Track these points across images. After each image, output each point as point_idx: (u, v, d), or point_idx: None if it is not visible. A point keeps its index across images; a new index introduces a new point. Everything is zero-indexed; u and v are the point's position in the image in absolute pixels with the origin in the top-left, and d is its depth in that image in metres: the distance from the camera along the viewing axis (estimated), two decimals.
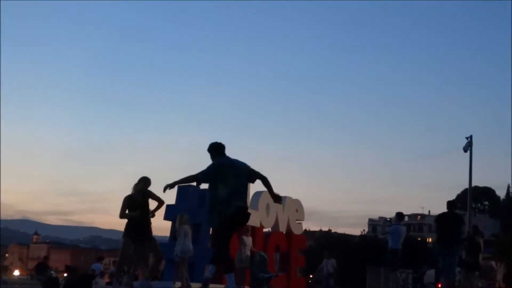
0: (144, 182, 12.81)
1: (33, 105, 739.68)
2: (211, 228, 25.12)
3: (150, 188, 12.96)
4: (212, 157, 10.19)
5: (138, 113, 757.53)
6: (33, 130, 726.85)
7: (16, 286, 14.05)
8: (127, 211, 12.57)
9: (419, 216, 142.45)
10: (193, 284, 21.39)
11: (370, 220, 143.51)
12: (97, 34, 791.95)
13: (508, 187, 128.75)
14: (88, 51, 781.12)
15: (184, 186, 25.31)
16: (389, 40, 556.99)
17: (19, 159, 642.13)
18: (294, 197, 30.45)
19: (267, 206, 27.46)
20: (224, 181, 9.68)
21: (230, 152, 10.29)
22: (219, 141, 10.42)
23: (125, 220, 12.71)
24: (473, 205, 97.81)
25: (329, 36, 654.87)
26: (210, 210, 9.88)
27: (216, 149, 10.26)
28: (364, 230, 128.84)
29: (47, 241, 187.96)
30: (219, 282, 23.57)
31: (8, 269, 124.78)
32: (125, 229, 12.58)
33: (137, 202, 12.48)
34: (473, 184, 38.64)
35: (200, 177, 9.88)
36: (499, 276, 30.91)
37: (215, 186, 9.72)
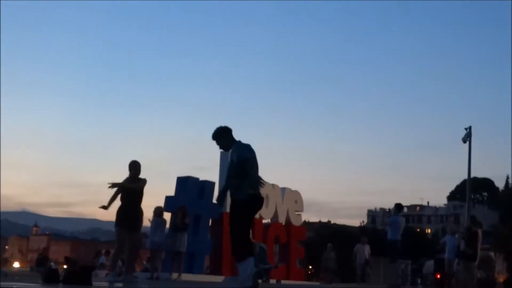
0: (133, 168, 12.63)
1: (32, 96, 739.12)
2: (210, 220, 25.46)
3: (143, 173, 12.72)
4: (223, 142, 9.65)
5: (138, 104, 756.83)
6: (32, 121, 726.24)
7: (16, 278, 14.00)
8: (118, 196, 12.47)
9: (418, 207, 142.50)
10: (193, 276, 21.51)
11: (370, 211, 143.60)
12: (96, 25, 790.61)
13: (507, 178, 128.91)
14: (87, 42, 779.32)
15: (183, 178, 25.38)
16: (389, 31, 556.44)
17: (19, 150, 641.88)
18: (293, 188, 30.52)
19: (267, 197, 27.49)
20: (242, 169, 9.30)
21: None
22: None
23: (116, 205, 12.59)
24: (472, 196, 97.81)
25: (331, 26, 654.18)
26: (223, 195, 9.49)
27: (227, 133, 9.67)
28: (363, 221, 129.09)
29: (47, 233, 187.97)
30: (218, 272, 23.70)
31: (8, 261, 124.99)
32: (117, 218, 12.47)
33: (129, 190, 12.39)
34: (472, 175, 38.59)
35: (249, 169, 9.31)
36: (498, 267, 30.96)
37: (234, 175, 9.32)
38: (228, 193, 9.45)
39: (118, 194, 12.46)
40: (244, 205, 9.29)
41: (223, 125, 9.71)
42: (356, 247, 25.88)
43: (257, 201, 9.50)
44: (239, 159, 9.31)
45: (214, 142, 9.72)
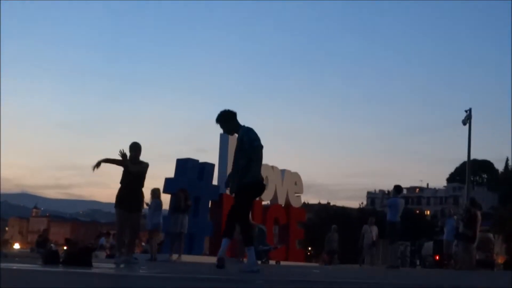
0: (134, 149, 12.56)
1: (32, 78, 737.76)
2: (210, 201, 25.51)
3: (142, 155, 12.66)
4: (228, 126, 9.58)
5: (138, 86, 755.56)
6: (32, 103, 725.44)
7: (16, 259, 14.05)
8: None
9: (418, 189, 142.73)
10: (192, 257, 21.57)
11: (369, 193, 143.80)
12: (97, 6, 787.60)
13: (507, 160, 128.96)
14: (87, 24, 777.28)
15: (182, 160, 25.40)
16: (386, 14, 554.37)
17: (18, 133, 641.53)
18: (293, 170, 30.57)
19: (266, 179, 27.52)
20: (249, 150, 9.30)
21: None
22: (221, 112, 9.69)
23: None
24: (472, 178, 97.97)
25: (332, 8, 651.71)
26: (233, 177, 9.43)
27: (232, 117, 9.57)
28: (362, 203, 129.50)
29: (47, 214, 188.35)
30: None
31: (8, 243, 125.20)
32: (117, 199, 12.42)
33: (131, 172, 12.35)
34: (472, 157, 38.69)
35: (261, 145, 9.32)
36: (497, 248, 31.04)
37: (242, 156, 9.29)
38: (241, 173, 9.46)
39: (117, 163, 12.39)
40: (252, 188, 9.37)
41: (227, 108, 9.63)
42: (363, 228, 25.74)
43: (262, 186, 9.60)
44: (253, 145, 9.31)
45: (218, 125, 9.65)
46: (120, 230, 12.70)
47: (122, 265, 11.51)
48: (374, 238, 25.33)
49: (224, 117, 9.56)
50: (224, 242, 9.37)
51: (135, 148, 12.57)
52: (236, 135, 9.63)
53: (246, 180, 9.22)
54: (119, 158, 12.23)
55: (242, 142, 9.39)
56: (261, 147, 9.35)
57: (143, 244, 29.71)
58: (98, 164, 12.26)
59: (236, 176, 9.41)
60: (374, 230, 25.44)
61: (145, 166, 12.53)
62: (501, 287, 7.78)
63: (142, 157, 12.63)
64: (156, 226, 19.43)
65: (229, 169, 9.90)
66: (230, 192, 9.65)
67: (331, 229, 28.08)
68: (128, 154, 12.32)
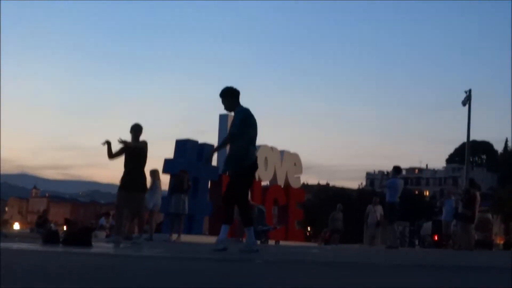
0: (135, 130, 12.57)
1: (31, 60, 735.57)
2: (209, 182, 25.56)
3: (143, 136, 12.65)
4: (229, 102, 9.58)
5: (137, 67, 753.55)
6: (31, 85, 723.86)
7: (16, 239, 14.09)
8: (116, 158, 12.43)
9: (417, 170, 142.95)
10: (192, 237, 21.65)
11: (368, 173, 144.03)
12: None
13: (506, 141, 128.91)
14: (87, 8, 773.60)
15: (182, 140, 25.42)
16: None
17: (18, 114, 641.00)
18: (292, 150, 30.60)
19: (265, 159, 27.57)
20: (247, 131, 9.33)
21: (221, 104, 9.76)
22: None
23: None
24: (471, 159, 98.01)
25: None
26: (231, 158, 9.44)
27: (235, 95, 9.60)
28: (362, 184, 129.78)
29: (46, 195, 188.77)
30: (217, 234, 23.82)
31: (8, 223, 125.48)
32: (121, 182, 12.45)
33: (132, 152, 12.35)
34: (471, 138, 38.67)
35: (237, 133, 9.30)
36: (496, 229, 31.12)
37: (241, 136, 9.33)
38: (232, 158, 9.45)
39: (122, 153, 12.42)
40: (250, 170, 9.44)
41: (232, 86, 9.66)
42: (368, 208, 25.67)
43: (256, 167, 9.65)
44: (243, 123, 9.34)
45: (220, 100, 9.65)
46: (119, 211, 12.72)
47: (122, 245, 11.55)
48: (379, 218, 25.24)
49: (227, 93, 9.57)
50: (225, 228, 9.33)
51: (135, 129, 12.57)
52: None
53: (245, 163, 9.25)
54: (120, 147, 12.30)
55: (235, 122, 9.45)
56: (234, 134, 9.33)
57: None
58: (108, 144, 12.30)
59: (231, 158, 9.45)
60: (379, 210, 25.27)
61: (143, 143, 12.51)
62: (500, 266, 7.81)
63: (143, 138, 12.64)
64: (154, 207, 19.46)
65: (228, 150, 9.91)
66: (222, 171, 9.75)
67: (336, 208, 28.00)
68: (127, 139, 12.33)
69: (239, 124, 9.34)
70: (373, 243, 25.07)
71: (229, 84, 9.67)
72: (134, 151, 12.38)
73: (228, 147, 9.65)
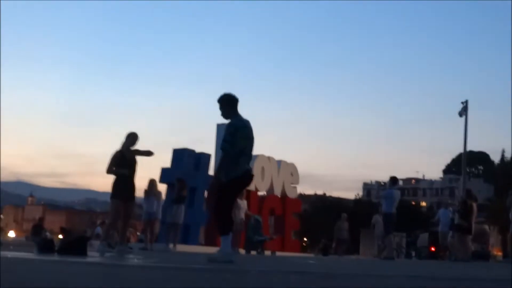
0: (132, 138, 12.56)
1: (28, 67, 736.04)
2: (206, 191, 25.48)
3: (138, 145, 12.65)
4: (225, 110, 9.44)
5: (134, 75, 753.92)
6: (27, 92, 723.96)
7: (11, 247, 14.03)
8: (114, 169, 12.39)
9: (414, 181, 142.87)
10: (188, 247, 21.59)
11: (365, 184, 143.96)
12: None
13: (503, 151, 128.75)
14: (85, 15, 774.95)
15: (179, 150, 25.39)
16: (387, 7, 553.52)
17: (14, 121, 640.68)
18: (289, 161, 30.57)
19: (262, 169, 27.54)
20: (236, 143, 9.20)
21: (218, 113, 9.66)
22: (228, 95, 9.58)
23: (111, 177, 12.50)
24: (468, 170, 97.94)
25: (329, 3, 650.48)
26: (220, 168, 9.32)
27: (233, 103, 9.45)
28: (358, 194, 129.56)
29: (42, 203, 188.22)
30: (212, 244, 23.76)
31: (3, 230, 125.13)
32: (114, 189, 12.37)
33: (127, 159, 12.34)
34: (468, 149, 38.64)
35: (230, 151, 9.13)
36: (493, 240, 31.04)
37: (230, 149, 9.21)
38: (219, 170, 9.37)
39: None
40: (240, 181, 9.35)
41: (232, 93, 9.53)
42: (374, 218, 25.45)
43: (250, 178, 9.56)
44: (232, 136, 9.21)
45: (218, 106, 9.54)
46: (115, 220, 12.68)
47: (106, 254, 11.46)
48: (381, 228, 24.79)
49: (224, 100, 9.46)
50: (225, 238, 9.17)
51: (131, 136, 12.56)
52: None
53: (234, 174, 9.15)
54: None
55: (227, 131, 9.31)
56: (223, 148, 9.21)
57: (138, 233, 29.73)
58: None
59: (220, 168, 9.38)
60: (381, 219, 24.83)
61: (135, 151, 12.50)
62: (498, 278, 7.78)
63: (140, 147, 12.62)
64: (151, 216, 19.42)
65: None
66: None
67: (340, 218, 27.80)
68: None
69: (228, 138, 9.20)
70: (382, 253, 24.94)
71: (226, 91, 9.59)
72: (130, 160, 12.37)
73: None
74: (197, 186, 24.59)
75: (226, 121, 9.59)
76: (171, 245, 19.74)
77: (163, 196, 21.55)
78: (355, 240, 27.70)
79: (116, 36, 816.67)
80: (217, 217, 9.24)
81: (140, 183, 17.21)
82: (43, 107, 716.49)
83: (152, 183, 19.56)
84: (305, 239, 75.00)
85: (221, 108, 9.49)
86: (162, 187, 23.39)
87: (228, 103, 9.48)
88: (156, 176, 22.61)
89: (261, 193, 28.54)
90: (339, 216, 28.57)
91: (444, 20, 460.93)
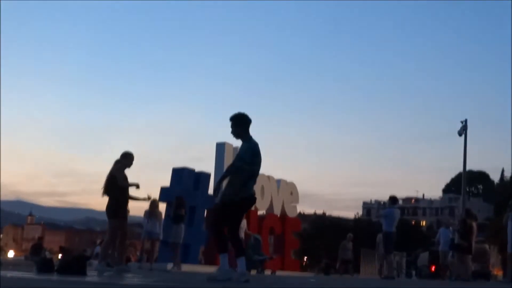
0: (129, 159, 12.70)
1: (27, 85, 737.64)
2: (206, 211, 25.45)
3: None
4: (238, 130, 9.39)
5: (135, 94, 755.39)
6: (28, 110, 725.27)
7: (10, 267, 14.00)
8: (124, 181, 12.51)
9: (414, 200, 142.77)
10: (187, 266, 21.53)
11: (365, 203, 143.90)
12: (95, 14, 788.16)
13: (502, 171, 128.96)
14: (85, 32, 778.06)
15: (178, 169, 25.37)
16: (386, 23, 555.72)
17: (14, 139, 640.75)
18: (288, 180, 30.55)
19: (262, 188, 27.51)
20: (250, 168, 9.21)
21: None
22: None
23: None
24: (467, 189, 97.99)
25: (329, 17, 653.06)
26: (229, 188, 9.28)
27: (246, 124, 9.45)
28: (358, 213, 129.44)
29: (42, 222, 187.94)
30: (212, 263, 23.71)
31: (2, 250, 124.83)
32: (112, 208, 12.43)
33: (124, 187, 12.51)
34: (468, 168, 38.71)
35: (242, 168, 9.18)
36: (493, 259, 30.97)
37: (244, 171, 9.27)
38: (227, 188, 9.37)
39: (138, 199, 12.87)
40: (245, 202, 9.35)
41: (246, 113, 9.51)
42: (378, 237, 25.31)
43: (253, 201, 9.55)
44: (234, 163, 9.35)
45: (230, 123, 9.46)
46: (113, 239, 12.71)
47: (105, 274, 11.46)
48: None
49: (238, 120, 9.43)
50: (224, 257, 9.19)
51: (128, 158, 12.71)
52: (239, 141, 9.57)
53: (241, 195, 9.15)
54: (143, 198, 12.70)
55: (242, 155, 9.31)
56: (239, 168, 9.23)
57: (137, 253, 29.66)
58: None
59: (228, 189, 9.36)
60: None
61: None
62: None
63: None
64: (153, 236, 19.41)
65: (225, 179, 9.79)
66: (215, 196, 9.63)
67: (346, 237, 27.65)
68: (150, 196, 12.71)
69: (248, 160, 9.23)
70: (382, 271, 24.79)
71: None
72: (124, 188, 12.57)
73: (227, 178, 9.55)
74: (196, 205, 24.56)
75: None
76: (169, 265, 19.71)
77: (163, 215, 21.51)
78: (355, 259, 27.63)
79: (114, 54, 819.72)
80: (232, 239, 9.25)
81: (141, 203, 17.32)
82: (43, 125, 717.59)
83: (154, 203, 19.57)
84: (305, 258, 74.88)
85: (234, 126, 9.44)
86: (162, 206, 23.38)
87: (242, 123, 9.45)
88: (155, 195, 22.60)
89: (260, 212, 28.51)
90: (339, 235, 28.59)
91: (443, 38, 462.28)
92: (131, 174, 12.77)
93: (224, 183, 9.38)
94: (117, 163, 12.59)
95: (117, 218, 12.41)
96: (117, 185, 12.39)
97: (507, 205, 17.85)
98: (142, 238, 20.23)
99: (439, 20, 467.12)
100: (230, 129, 9.46)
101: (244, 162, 9.21)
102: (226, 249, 9.13)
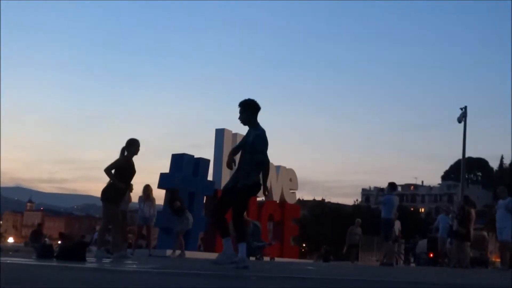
0: (135, 147, 12.42)
1: (27, 72, 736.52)
2: (204, 197, 25.46)
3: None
4: (247, 116, 9.34)
5: (134, 81, 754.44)
6: (27, 97, 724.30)
7: (10, 253, 14.03)
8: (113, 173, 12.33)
9: (412, 187, 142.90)
10: (187, 252, 21.56)
11: (364, 190, 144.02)
12: (95, 2, 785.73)
13: (501, 158, 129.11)
14: (84, 20, 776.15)
15: (178, 155, 25.35)
16: (386, 12, 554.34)
17: (13, 126, 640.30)
18: (288, 166, 30.54)
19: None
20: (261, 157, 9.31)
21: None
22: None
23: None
24: (466, 176, 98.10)
25: (330, 5, 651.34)
26: (242, 174, 9.30)
27: (255, 111, 9.42)
28: (357, 200, 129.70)
29: (41, 208, 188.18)
30: (211, 249, 23.75)
31: (2, 236, 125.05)
32: (109, 194, 12.24)
33: (131, 173, 12.30)
34: (467, 155, 38.73)
35: (266, 160, 9.36)
36: (491, 246, 30.99)
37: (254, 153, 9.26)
38: (239, 172, 9.38)
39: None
40: (250, 190, 9.36)
41: (256, 100, 9.47)
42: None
43: (258, 188, 9.55)
44: (257, 159, 9.27)
45: (238, 109, 9.42)
46: (107, 225, 12.65)
47: (104, 260, 11.45)
48: (397, 233, 24.18)
49: (248, 105, 9.38)
50: (228, 241, 9.22)
51: (135, 145, 12.39)
52: (246, 128, 9.54)
53: (246, 182, 9.15)
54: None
55: (251, 146, 9.29)
56: (264, 162, 9.34)
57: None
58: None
59: (239, 174, 9.36)
60: (397, 225, 24.16)
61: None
62: (497, 286, 7.78)
63: (139, 152, 12.54)
64: (147, 222, 19.40)
65: (224, 165, 9.79)
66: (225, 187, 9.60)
67: (354, 223, 27.53)
68: (126, 152, 12.25)
69: (266, 150, 9.36)
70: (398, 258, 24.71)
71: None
72: (131, 174, 12.36)
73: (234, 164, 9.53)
74: (196, 191, 24.55)
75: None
76: (169, 251, 19.74)
77: (162, 201, 21.49)
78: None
79: (114, 42, 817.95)
80: (237, 225, 9.28)
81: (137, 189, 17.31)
82: (43, 112, 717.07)
83: (147, 188, 19.54)
84: (304, 245, 75.02)
85: (243, 112, 9.38)
86: (161, 192, 23.38)
87: (251, 109, 9.41)
88: (155, 181, 22.62)
89: (259, 198, 28.51)
90: (338, 222, 28.65)
91: (443, 26, 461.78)
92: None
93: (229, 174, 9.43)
94: (123, 151, 12.29)
95: (112, 203, 12.25)
96: (119, 173, 12.18)
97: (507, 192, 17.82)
98: (137, 224, 20.23)
99: (439, 8, 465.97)
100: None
101: (264, 155, 9.33)
102: (228, 233, 9.16)
